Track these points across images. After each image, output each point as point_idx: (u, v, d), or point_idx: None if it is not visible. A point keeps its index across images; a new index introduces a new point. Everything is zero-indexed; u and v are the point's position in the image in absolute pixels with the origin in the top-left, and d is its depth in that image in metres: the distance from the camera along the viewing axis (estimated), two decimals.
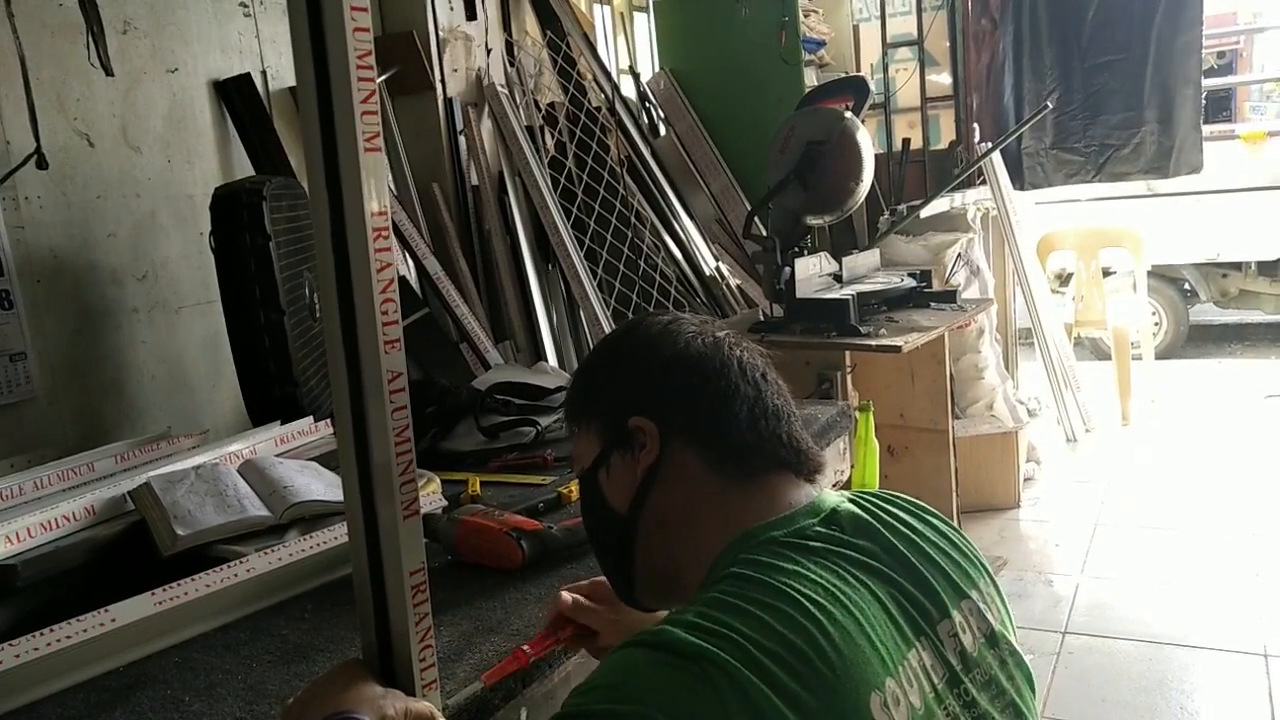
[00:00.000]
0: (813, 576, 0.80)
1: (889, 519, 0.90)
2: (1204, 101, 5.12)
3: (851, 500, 0.93)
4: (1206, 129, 5.16)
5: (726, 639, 0.74)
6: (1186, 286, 6.68)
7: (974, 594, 0.91)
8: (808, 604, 0.77)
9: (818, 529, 0.87)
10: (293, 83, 2.77)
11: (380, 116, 0.80)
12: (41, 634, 1.12)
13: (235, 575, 1.28)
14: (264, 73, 2.69)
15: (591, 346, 1.07)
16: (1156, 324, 6.49)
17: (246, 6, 2.64)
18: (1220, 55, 8.13)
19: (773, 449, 0.92)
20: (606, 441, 0.95)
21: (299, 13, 0.78)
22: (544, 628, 1.10)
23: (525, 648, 1.07)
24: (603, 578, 1.09)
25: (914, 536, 0.90)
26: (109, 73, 2.14)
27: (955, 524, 1.00)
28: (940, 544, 0.92)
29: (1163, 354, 6.24)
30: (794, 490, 0.92)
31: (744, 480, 0.91)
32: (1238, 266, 6.47)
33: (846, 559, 0.84)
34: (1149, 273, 5.89)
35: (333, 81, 0.78)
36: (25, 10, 2.03)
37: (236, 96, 2.59)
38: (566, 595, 1.09)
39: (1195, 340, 6.81)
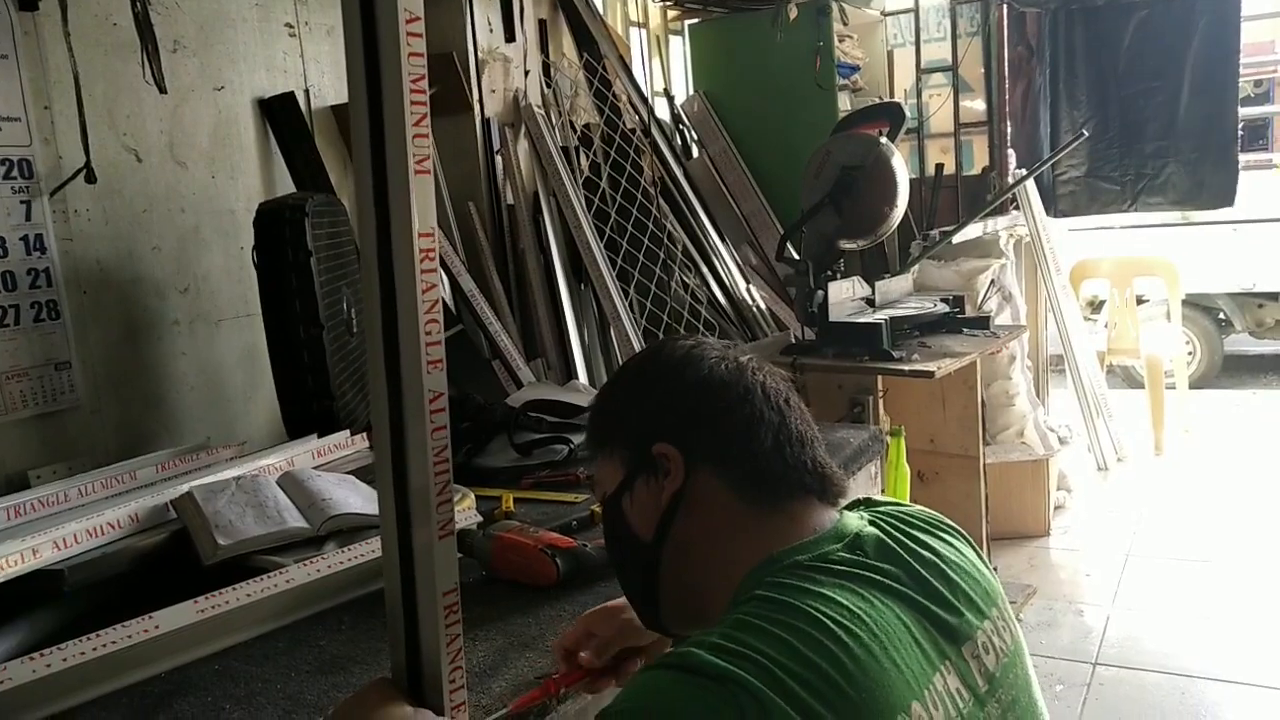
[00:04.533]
0: (837, 599, 0.80)
1: (910, 542, 0.90)
2: (1240, 131, 5.08)
3: (872, 523, 0.92)
4: (1243, 158, 5.11)
5: (751, 661, 0.74)
6: (1221, 316, 6.62)
7: (993, 612, 0.90)
8: (833, 626, 0.77)
9: (842, 553, 0.87)
10: (334, 101, 2.82)
11: (431, 139, 0.81)
12: (88, 638, 1.14)
13: (275, 585, 1.30)
14: (307, 91, 2.74)
15: (632, 355, 1.07)
16: (1190, 353, 6.42)
17: (291, 27, 2.69)
18: (1257, 84, 8.06)
19: (798, 475, 0.92)
20: (630, 468, 0.95)
21: (354, 34, 0.79)
22: (569, 642, 1.08)
23: (555, 677, 1.07)
24: (590, 612, 1.10)
25: (935, 559, 0.89)
26: (163, 90, 2.19)
27: (967, 534, 0.99)
28: (960, 563, 0.91)
29: (1197, 384, 6.18)
30: (818, 515, 0.92)
31: (769, 506, 0.91)
32: (1274, 296, 6.40)
33: (871, 582, 0.84)
34: (1183, 301, 5.84)
35: (385, 103, 0.79)
36: (81, 30, 2.08)
37: (280, 114, 2.63)
38: (584, 655, 1.07)
39: (1230, 370, 6.73)
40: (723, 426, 0.92)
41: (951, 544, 0.94)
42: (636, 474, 0.94)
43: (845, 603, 0.80)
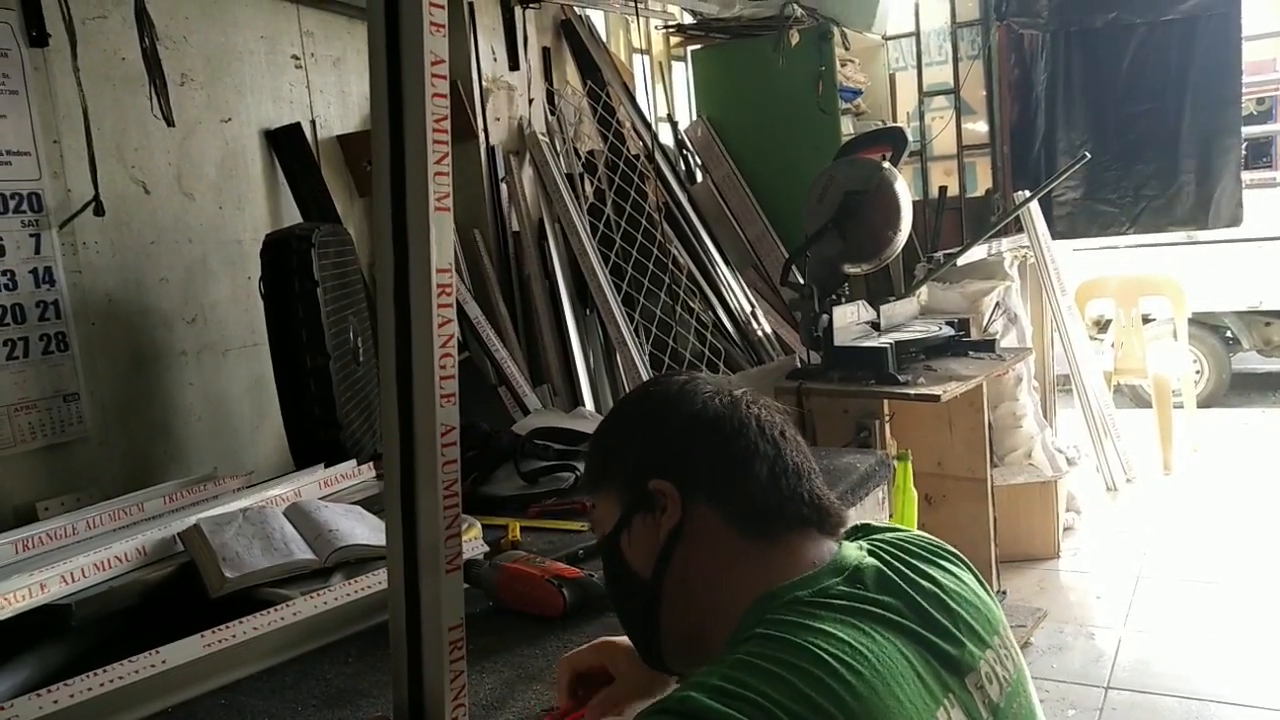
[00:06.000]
0: (839, 635, 0.79)
1: (910, 572, 0.89)
2: (1244, 150, 5.08)
3: (872, 553, 0.92)
4: (1246, 176, 5.11)
5: (752, 703, 0.73)
6: (1228, 334, 6.60)
7: (995, 641, 0.90)
8: (834, 663, 0.76)
9: (842, 587, 0.86)
10: (340, 131, 2.84)
11: (451, 176, 0.82)
12: (95, 674, 1.14)
13: (282, 618, 1.30)
14: (313, 122, 2.76)
15: (626, 393, 1.08)
16: (1198, 372, 6.41)
17: (298, 58, 2.72)
18: (1260, 102, 8.07)
19: (795, 507, 0.91)
20: (627, 506, 0.95)
21: (379, 75, 0.81)
22: (563, 702, 1.07)
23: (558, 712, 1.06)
24: (602, 640, 1.09)
25: (936, 589, 0.89)
26: (171, 123, 2.21)
27: (966, 560, 0.98)
28: (960, 591, 0.91)
29: (1204, 402, 6.16)
30: (816, 547, 0.91)
31: (767, 540, 0.90)
32: None
33: (871, 616, 0.83)
34: (1190, 320, 5.83)
35: (407, 142, 0.80)
36: (90, 65, 2.10)
37: (286, 145, 2.65)
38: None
39: (1238, 389, 6.71)
40: (718, 461, 0.92)
41: (951, 571, 0.93)
42: (633, 512, 0.94)
43: (846, 638, 0.79)
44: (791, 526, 0.91)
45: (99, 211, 2.11)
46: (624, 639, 1.06)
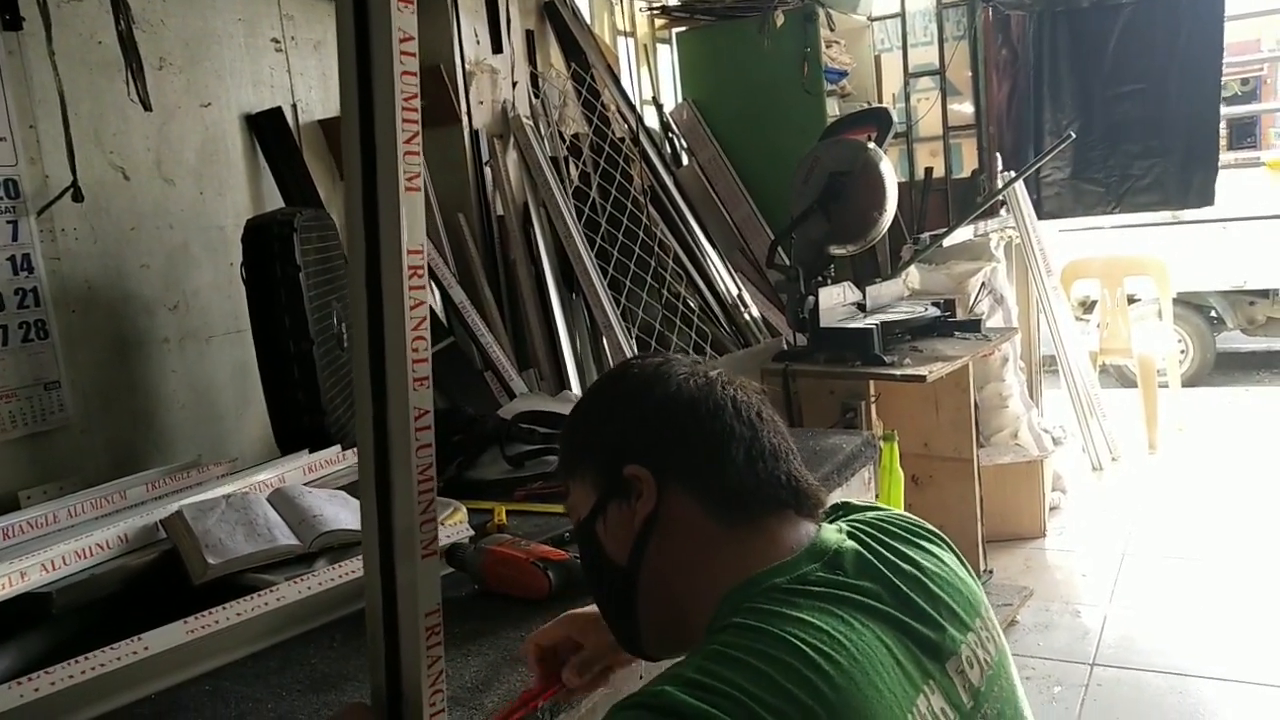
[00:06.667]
0: (817, 624, 0.79)
1: (890, 555, 0.88)
2: (1226, 129, 5.09)
3: (851, 535, 0.91)
4: (1231, 156, 5.15)
5: (728, 697, 0.73)
6: (1213, 314, 6.65)
7: (977, 623, 0.89)
8: (812, 654, 0.76)
9: (820, 573, 0.85)
10: (322, 115, 2.82)
11: (422, 156, 0.81)
12: (76, 661, 1.14)
13: (265, 604, 1.29)
14: (294, 106, 2.73)
15: (600, 376, 1.07)
16: (1183, 352, 6.45)
17: (278, 42, 2.69)
18: (1244, 82, 8.10)
19: (772, 490, 0.90)
20: (602, 492, 0.93)
21: (347, 53, 0.79)
22: (537, 677, 1.07)
23: (533, 690, 1.06)
24: (566, 614, 1.08)
25: (916, 572, 0.88)
26: (148, 108, 2.19)
27: (948, 539, 0.97)
28: (941, 573, 0.90)
29: (1189, 382, 6.20)
30: (795, 530, 0.90)
31: (744, 524, 0.89)
32: (1265, 294, 6.44)
33: (850, 603, 0.82)
34: (1175, 300, 5.86)
35: (377, 121, 0.79)
36: (66, 49, 2.07)
37: (268, 129, 2.63)
38: (568, 675, 1.05)
39: (1222, 368, 6.75)
40: (693, 444, 0.90)
41: (932, 552, 0.93)
42: (609, 498, 0.93)
43: (825, 627, 0.79)
44: (769, 510, 0.90)
45: (77, 198, 2.08)
46: (588, 609, 1.06)
